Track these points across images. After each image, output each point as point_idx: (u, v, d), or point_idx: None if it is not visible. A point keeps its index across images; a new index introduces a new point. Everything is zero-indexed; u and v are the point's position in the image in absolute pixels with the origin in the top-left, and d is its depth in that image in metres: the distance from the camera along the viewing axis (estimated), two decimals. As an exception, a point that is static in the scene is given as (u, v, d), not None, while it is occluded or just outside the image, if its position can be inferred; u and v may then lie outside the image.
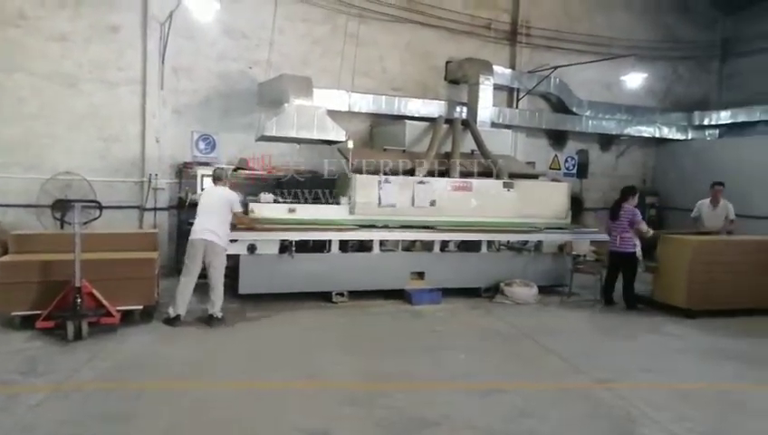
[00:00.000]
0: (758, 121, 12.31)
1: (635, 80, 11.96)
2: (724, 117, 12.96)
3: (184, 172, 9.27)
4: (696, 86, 13.84)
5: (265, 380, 5.03)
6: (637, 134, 12.97)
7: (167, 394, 4.60)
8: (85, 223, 6.65)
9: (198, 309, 6.81)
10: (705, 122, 13.26)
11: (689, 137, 13.35)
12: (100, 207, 8.35)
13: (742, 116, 12.57)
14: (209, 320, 6.50)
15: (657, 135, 13.15)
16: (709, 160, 12.12)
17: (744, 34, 13.37)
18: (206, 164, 9.20)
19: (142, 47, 9.22)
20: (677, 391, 5.08)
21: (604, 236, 9.49)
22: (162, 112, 9.38)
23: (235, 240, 7.20)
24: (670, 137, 13.27)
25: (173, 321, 6.37)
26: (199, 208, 6.62)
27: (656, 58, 12.93)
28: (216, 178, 6.89)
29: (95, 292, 5.86)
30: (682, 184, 12.53)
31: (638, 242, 7.99)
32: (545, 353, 6.05)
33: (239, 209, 6.80)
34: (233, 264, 7.66)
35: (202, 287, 6.70)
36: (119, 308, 6.07)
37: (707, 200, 9.25)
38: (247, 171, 9.50)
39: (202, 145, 9.64)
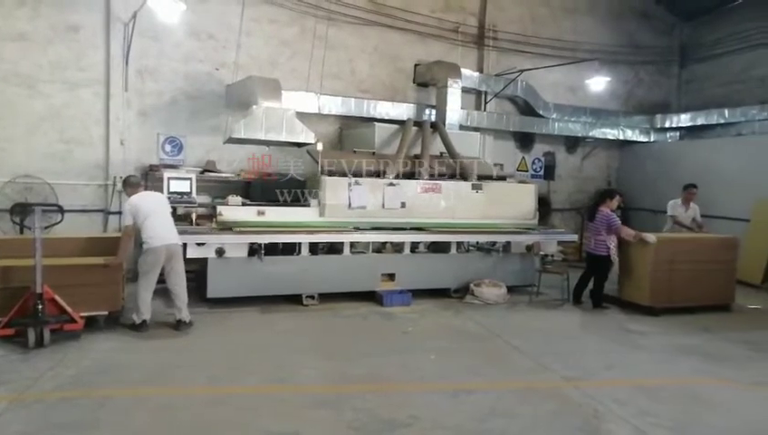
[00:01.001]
0: (716, 124, 12.70)
1: (599, 83, 12.23)
2: (684, 120, 13.33)
3: (150, 175, 9.10)
4: (657, 90, 14.22)
5: (235, 384, 4.97)
6: (601, 136, 13.25)
7: (133, 402, 4.51)
8: (46, 227, 6.46)
9: (165, 314, 6.69)
10: (667, 125, 13.62)
11: (651, 139, 13.70)
12: (62, 211, 8.15)
13: (701, 119, 12.94)
14: (177, 325, 6.39)
15: (621, 137, 13.46)
16: (670, 162, 12.47)
17: (701, 41, 13.80)
18: (174, 167, 9.07)
19: (105, 48, 9.03)
20: (641, 387, 5.20)
21: (571, 237, 9.70)
22: (127, 114, 9.20)
23: (203, 243, 7.12)
24: (633, 139, 13.60)
25: (139, 327, 6.24)
26: (150, 214, 6.25)
27: (618, 62, 13.25)
28: (136, 186, 6.60)
29: (57, 298, 5.70)
30: (645, 185, 12.85)
31: (612, 245, 8.09)
32: (514, 353, 6.13)
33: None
34: (200, 267, 7.58)
35: (165, 291, 6.58)
36: (82, 314, 5.92)
37: (679, 201, 9.50)
38: (215, 174, 9.41)
39: (168, 147, 9.50)
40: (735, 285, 8.53)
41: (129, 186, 6.60)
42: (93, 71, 9.03)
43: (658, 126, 13.67)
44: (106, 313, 6.28)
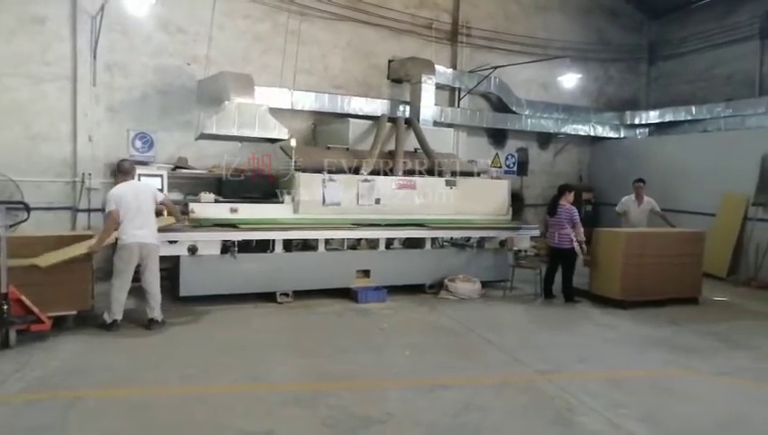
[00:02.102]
0: (683, 121, 12.98)
1: (570, 80, 12.39)
2: (653, 116, 13.61)
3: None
4: (627, 87, 14.47)
5: (208, 383, 4.91)
6: (573, 132, 13.43)
7: (103, 403, 4.42)
8: (11, 226, 6.27)
9: (137, 313, 6.58)
10: (636, 121, 13.87)
11: (621, 135, 13.94)
12: (28, 209, 7.89)
13: (668, 115, 13.22)
14: (149, 324, 6.29)
15: (592, 133, 13.66)
16: (640, 158, 12.70)
17: (669, 39, 14.09)
18: (144, 163, 8.90)
19: (72, 41, 8.82)
20: (612, 379, 5.30)
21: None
22: (95, 110, 9.00)
23: (175, 241, 7.01)
24: (604, 135, 13.81)
25: (110, 326, 6.12)
26: (130, 209, 6.13)
27: (589, 60, 13.44)
28: (126, 173, 6.40)
29: (23, 298, 5.54)
30: (615, 181, 13.06)
31: (575, 238, 8.25)
32: (489, 347, 6.18)
33: (162, 197, 6.48)
34: (172, 265, 7.46)
35: (138, 289, 6.47)
36: (50, 314, 5.76)
37: (632, 196, 9.70)
38: (187, 170, 9.27)
39: (139, 144, 9.32)
40: (702, 278, 8.74)
41: (120, 172, 6.43)
42: (59, 65, 8.81)
43: (628, 122, 13.91)
44: (75, 312, 6.15)
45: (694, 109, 12.66)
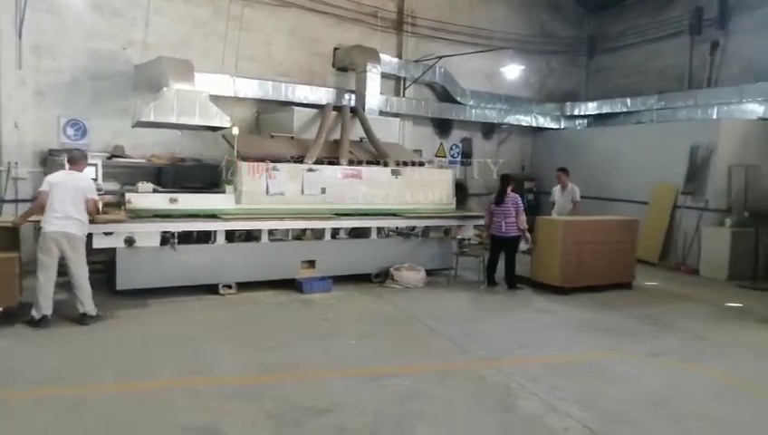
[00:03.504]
0: (619, 112, 13.46)
1: (513, 71, 12.62)
2: (591, 108, 14.06)
3: (50, 160, 8.48)
4: (567, 79, 14.88)
5: (147, 379, 4.76)
6: (516, 123, 13.72)
7: (33, 403, 4.22)
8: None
9: (69, 308, 6.28)
10: (576, 113, 14.31)
11: (562, 126, 14.35)
12: (-51, 200, 7.46)
13: (606, 107, 13.70)
14: (82, 319, 6.03)
15: (534, 124, 14.00)
16: (579, 148, 13.11)
17: (607, 33, 14.57)
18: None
19: (-6, 20, 8.30)
20: (551, 363, 5.47)
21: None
22: (21, 94, 8.51)
23: (111, 233, 6.74)
24: (545, 126, 14.18)
25: (39, 323, 5.83)
26: (52, 197, 5.90)
27: (531, 51, 13.72)
28: (71, 161, 6.23)
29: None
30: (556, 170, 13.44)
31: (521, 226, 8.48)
32: (433, 335, 6.26)
33: (93, 197, 6.19)
34: (108, 258, 7.19)
35: (70, 284, 6.20)
36: (-27, 311, 5.46)
37: (559, 186, 10.02)
38: (123, 159, 8.92)
39: (71, 131, 8.92)
40: (636, 263, 9.12)
41: (69, 162, 6.27)
42: (-20, 45, 8.28)
43: (568, 114, 14.34)
44: (0, 308, 5.83)
45: (629, 101, 13.16)
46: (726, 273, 9.75)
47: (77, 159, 6.29)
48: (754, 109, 10.77)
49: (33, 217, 6.18)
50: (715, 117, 11.28)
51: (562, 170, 9.98)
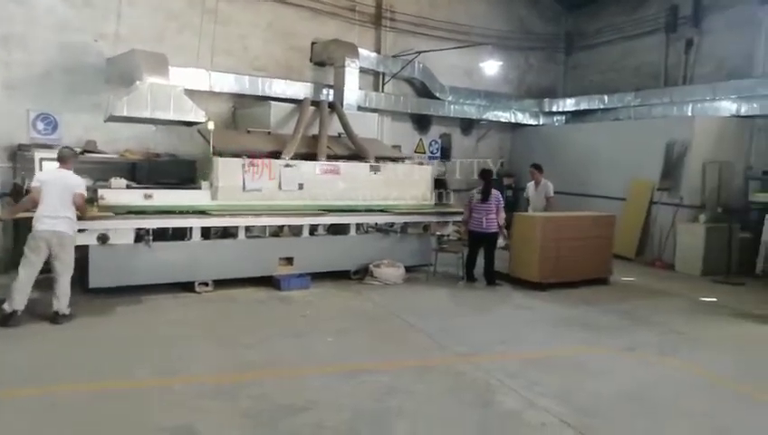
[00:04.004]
0: (597, 109, 13.58)
1: (492, 67, 12.64)
2: (569, 104, 14.16)
3: (19, 155, 8.27)
4: (546, 75, 14.96)
5: (122, 379, 4.65)
6: (495, 119, 13.76)
7: (4, 404, 4.10)
8: None
9: (42, 306, 6.11)
10: (554, 109, 14.40)
11: (540, 122, 14.43)
12: None
13: (584, 104, 13.80)
14: (55, 317, 5.88)
15: (513, 120, 14.06)
16: (557, 144, 13.21)
17: (584, 30, 14.68)
18: (47, 146, 8.28)
19: (-41, 11, 8.06)
20: (530, 359, 5.49)
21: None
22: (-10, 87, 8.29)
23: (84, 230, 6.57)
24: (524, 122, 14.25)
25: (8, 318, 5.67)
26: (43, 195, 5.84)
27: (510, 48, 13.77)
28: (60, 159, 6.17)
29: None
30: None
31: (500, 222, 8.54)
32: (412, 331, 6.23)
33: (80, 192, 6.07)
34: (80, 255, 7.01)
35: (46, 281, 6.04)
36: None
37: (533, 182, 10.08)
38: (96, 155, 8.72)
39: (41, 125, 8.70)
40: (613, 259, 9.21)
41: (59, 160, 6.19)
42: (-54, 37, 8.04)
43: (546, 110, 14.42)
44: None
45: (606, 98, 13.28)
46: (701, 268, 9.90)
47: (67, 157, 6.21)
48: (728, 106, 10.94)
49: (22, 214, 6.09)
50: (689, 114, 11.43)
51: (536, 167, 10.04)
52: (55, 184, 5.95)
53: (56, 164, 6.25)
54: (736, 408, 4.62)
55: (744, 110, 10.69)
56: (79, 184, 6.11)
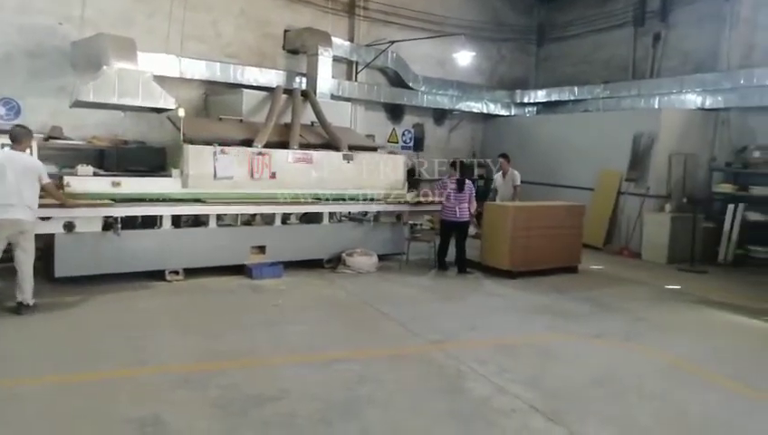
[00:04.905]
0: (567, 101, 13.75)
1: (465, 58, 12.65)
2: (541, 96, 14.30)
3: (-20, 141, 8.00)
4: (518, 66, 15.07)
5: (88, 370, 4.57)
6: (467, 109, 13.83)
7: (-37, 397, 4.00)
8: None
9: (4, 297, 5.98)
10: (525, 100, 14.54)
11: (512, 113, 14.54)
12: None
13: (555, 95, 13.95)
14: (18, 308, 5.73)
15: (485, 111, 14.15)
16: (528, 135, 13.34)
17: (555, 22, 14.82)
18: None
19: None
20: (500, 345, 5.57)
21: (439, 206, 10.06)
22: (-53, 70, 8.00)
23: (49, 218, 6.42)
24: (496, 113, 14.35)
25: (-31, 311, 5.53)
26: (1, 181, 5.53)
27: (483, 38, 13.81)
28: (14, 140, 5.79)
29: None
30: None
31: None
32: (384, 320, 6.26)
33: (48, 180, 5.88)
34: (44, 245, 6.85)
35: (9, 271, 5.90)
36: None
37: (501, 172, 10.19)
38: (62, 141, 8.52)
39: (3, 110, 8.48)
40: (582, 248, 9.38)
41: (12, 140, 5.80)
42: None
43: (518, 101, 14.54)
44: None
45: (576, 90, 13.44)
46: (666, 256, 10.16)
47: (21, 137, 5.84)
48: (693, 99, 11.18)
49: None
50: (656, 106, 11.66)
51: (504, 156, 10.15)
52: (14, 169, 5.60)
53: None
54: (697, 391, 4.77)
55: (708, 103, 10.95)
56: (43, 169, 5.86)
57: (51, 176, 7.15)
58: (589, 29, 13.75)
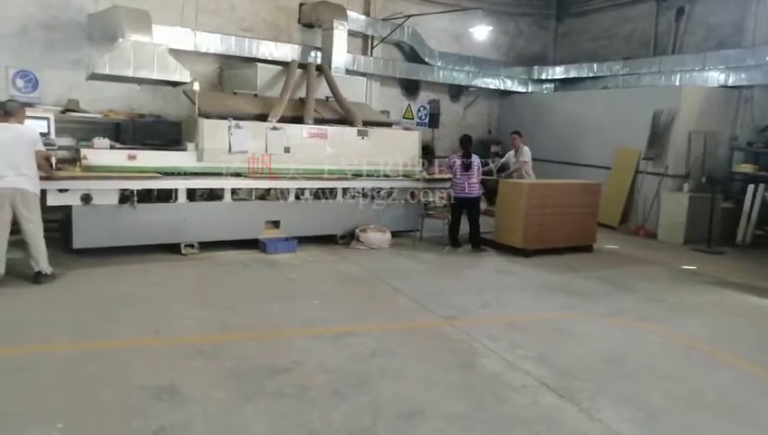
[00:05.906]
0: (586, 77, 13.50)
1: (482, 33, 12.44)
2: (559, 72, 14.06)
3: (-2, 114, 8.07)
4: (536, 42, 14.80)
5: (104, 339, 4.66)
6: (483, 86, 13.66)
7: (-16, 363, 4.10)
8: None
9: (24, 266, 6.06)
10: (543, 77, 14.30)
11: (529, 90, 14.34)
12: None
13: (573, 72, 13.70)
14: (36, 277, 5.84)
15: (502, 87, 13.97)
16: (545, 112, 13.17)
17: (575, -3, 14.48)
18: (28, 105, 8.09)
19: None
20: (513, 323, 5.57)
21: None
22: (-35, 42, 8.04)
23: (66, 190, 6.49)
24: (513, 89, 14.16)
25: (-10, 282, 5.62)
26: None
27: (501, 13, 13.58)
28: (7, 113, 5.79)
29: None
30: (522, 134, 13.50)
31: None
32: (397, 295, 6.29)
33: (40, 148, 5.88)
34: (64, 216, 6.95)
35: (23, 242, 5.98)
36: None
37: (513, 150, 10.08)
38: (79, 114, 8.57)
39: (21, 83, 8.48)
40: (597, 227, 9.30)
41: (6, 113, 5.78)
42: None
43: (536, 77, 14.32)
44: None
45: (595, 66, 13.18)
46: (683, 237, 10.04)
47: (15, 110, 5.85)
48: (716, 76, 10.91)
49: None
50: (677, 84, 11.40)
51: (517, 133, 10.04)
52: (11, 141, 5.62)
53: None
54: (712, 371, 4.74)
55: (731, 80, 10.67)
56: (39, 141, 5.88)
57: (67, 148, 7.26)
58: (610, 3, 13.43)
